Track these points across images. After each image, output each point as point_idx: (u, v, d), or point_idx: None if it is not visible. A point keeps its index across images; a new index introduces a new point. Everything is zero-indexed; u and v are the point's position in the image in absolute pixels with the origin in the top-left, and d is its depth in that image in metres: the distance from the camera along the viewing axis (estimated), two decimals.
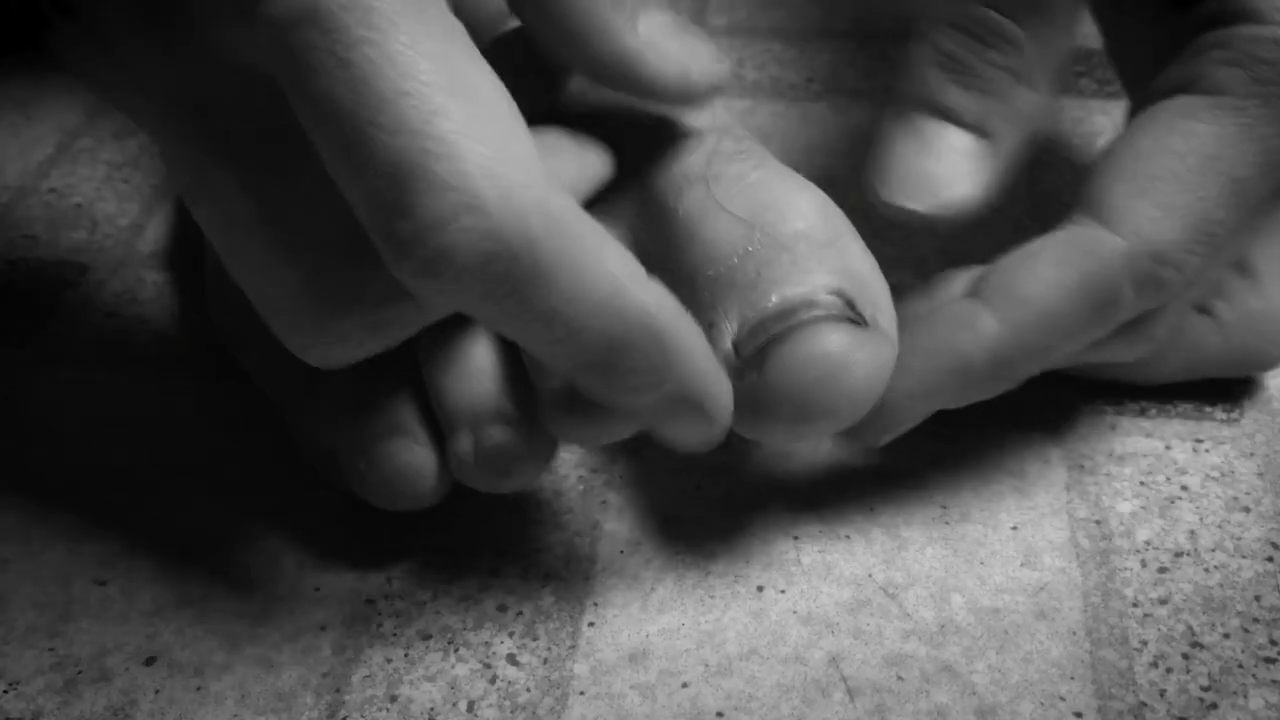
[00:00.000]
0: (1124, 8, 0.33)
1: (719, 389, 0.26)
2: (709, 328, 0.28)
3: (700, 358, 0.25)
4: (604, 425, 0.27)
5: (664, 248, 0.29)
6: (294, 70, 0.22)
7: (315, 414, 0.31)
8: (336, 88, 0.22)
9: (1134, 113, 0.31)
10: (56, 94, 0.48)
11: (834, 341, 0.26)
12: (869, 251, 0.28)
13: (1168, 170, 0.28)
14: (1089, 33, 0.35)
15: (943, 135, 0.28)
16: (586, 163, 0.29)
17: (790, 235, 0.28)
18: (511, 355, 0.29)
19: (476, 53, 0.23)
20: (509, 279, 0.23)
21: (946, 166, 0.28)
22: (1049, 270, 0.28)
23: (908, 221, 0.28)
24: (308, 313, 0.25)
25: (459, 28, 0.23)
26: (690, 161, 0.30)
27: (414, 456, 0.29)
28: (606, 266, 0.23)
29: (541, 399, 0.28)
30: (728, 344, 0.27)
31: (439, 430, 0.30)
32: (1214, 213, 0.28)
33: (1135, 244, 0.27)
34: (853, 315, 0.27)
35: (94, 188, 0.43)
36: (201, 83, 0.24)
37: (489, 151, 0.22)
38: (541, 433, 0.29)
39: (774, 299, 0.27)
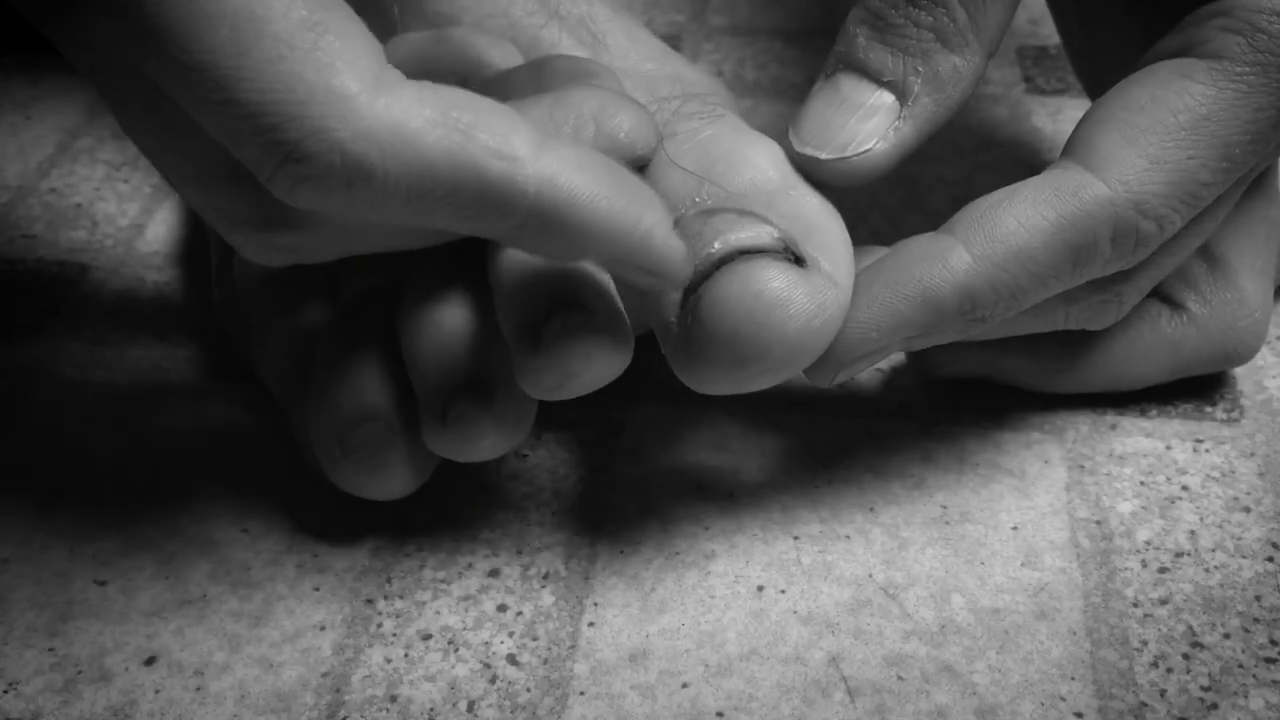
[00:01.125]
0: (1089, 7, 0.33)
1: (651, 246, 0.25)
2: None
3: (618, 221, 0.25)
4: (567, 373, 0.27)
5: None
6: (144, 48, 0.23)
7: (304, 405, 0.31)
8: (175, 45, 0.23)
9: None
10: (56, 94, 0.48)
11: (766, 278, 0.26)
12: (829, 204, 0.28)
13: (1160, 124, 0.28)
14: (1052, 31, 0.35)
15: (859, 91, 0.28)
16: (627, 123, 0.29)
17: (739, 185, 0.28)
18: (487, 321, 0.29)
19: None
20: (375, 194, 0.23)
21: (856, 120, 0.28)
22: (1027, 209, 0.27)
23: (816, 171, 0.28)
24: (218, 224, 0.27)
25: None
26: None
27: (385, 442, 0.30)
28: (473, 167, 0.24)
29: (512, 354, 0.28)
30: (674, 295, 0.27)
31: (416, 413, 0.30)
32: (1201, 174, 0.28)
33: (1119, 191, 0.27)
34: (792, 256, 0.26)
35: (94, 188, 0.43)
36: (92, 62, 0.25)
37: (327, 80, 0.23)
38: (514, 400, 0.29)
39: (716, 245, 0.27)
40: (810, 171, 0.29)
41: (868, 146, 0.28)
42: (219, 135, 0.24)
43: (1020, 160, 0.44)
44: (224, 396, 0.35)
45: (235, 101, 0.23)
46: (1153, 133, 0.28)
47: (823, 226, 0.28)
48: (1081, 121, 0.29)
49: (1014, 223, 0.27)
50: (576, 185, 0.24)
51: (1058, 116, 0.46)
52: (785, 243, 0.27)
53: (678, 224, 0.27)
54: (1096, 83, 0.34)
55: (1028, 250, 0.27)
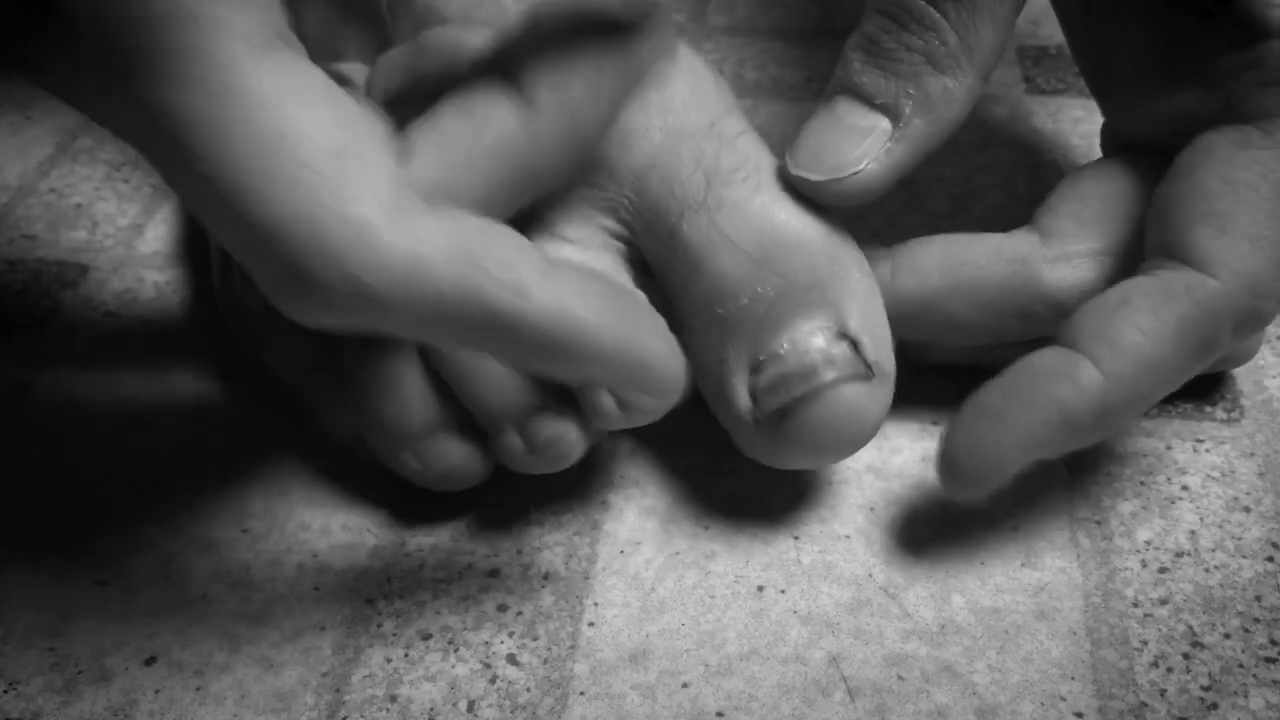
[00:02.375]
0: (1098, 9, 0.33)
1: (650, 373, 0.26)
2: (719, 364, 0.29)
3: (617, 350, 0.25)
4: (644, 416, 0.28)
5: (671, 265, 0.30)
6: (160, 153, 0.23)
7: (343, 400, 0.31)
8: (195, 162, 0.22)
9: (1123, 135, 0.32)
10: None
11: (851, 400, 0.29)
12: (866, 267, 0.30)
13: (1243, 203, 0.28)
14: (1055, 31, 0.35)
15: (853, 114, 0.29)
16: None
17: (795, 272, 0.29)
18: None
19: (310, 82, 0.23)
20: (384, 318, 0.23)
21: (849, 143, 0.29)
22: (1147, 319, 0.27)
23: (810, 192, 0.29)
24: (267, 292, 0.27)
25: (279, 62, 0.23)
26: (690, 180, 0.30)
27: (463, 451, 0.30)
28: (482, 299, 0.23)
29: (582, 399, 0.29)
30: (739, 384, 0.29)
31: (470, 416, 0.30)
32: None
33: (1231, 282, 0.27)
34: (863, 371, 0.29)
35: (94, 188, 0.43)
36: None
37: (346, 209, 0.22)
38: (583, 412, 0.29)
39: (785, 345, 0.29)
40: (804, 193, 0.29)
41: (859, 168, 0.29)
42: (230, 246, 0.23)
43: (1020, 160, 0.44)
44: (224, 396, 0.35)
45: (252, 222, 0.22)
46: (1241, 215, 0.28)
47: (869, 310, 0.29)
48: (1158, 219, 0.29)
49: (1138, 334, 0.27)
50: (580, 316, 0.24)
51: (1058, 116, 0.46)
52: (854, 349, 0.29)
53: (740, 310, 0.29)
54: (1102, 84, 0.34)
55: (1158, 358, 0.27)
